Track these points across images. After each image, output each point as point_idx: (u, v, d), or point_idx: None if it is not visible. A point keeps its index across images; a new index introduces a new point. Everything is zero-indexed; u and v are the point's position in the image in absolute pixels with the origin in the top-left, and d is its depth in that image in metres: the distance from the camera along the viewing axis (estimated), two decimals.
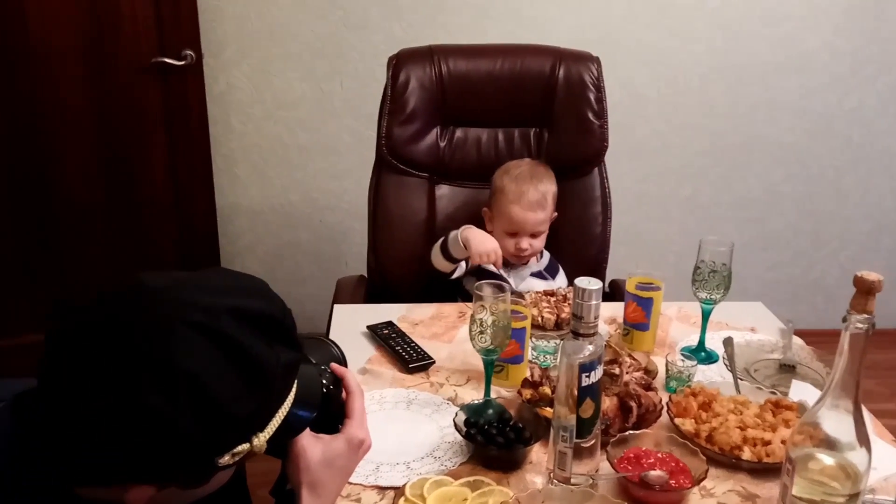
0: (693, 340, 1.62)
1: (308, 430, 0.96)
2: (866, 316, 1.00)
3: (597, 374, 1.12)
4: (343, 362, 1.06)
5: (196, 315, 0.77)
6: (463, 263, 1.92)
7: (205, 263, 2.85)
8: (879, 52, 2.93)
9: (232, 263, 3.03)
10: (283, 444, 0.96)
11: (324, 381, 0.97)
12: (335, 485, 0.99)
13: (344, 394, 1.02)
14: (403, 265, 2.05)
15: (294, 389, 0.87)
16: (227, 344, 0.77)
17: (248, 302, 0.82)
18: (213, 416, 0.76)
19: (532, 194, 1.89)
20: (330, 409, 0.98)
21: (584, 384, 1.10)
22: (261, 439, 0.82)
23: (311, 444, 0.97)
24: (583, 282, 1.09)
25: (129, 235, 2.73)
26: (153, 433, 0.74)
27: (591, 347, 1.11)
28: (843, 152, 3.08)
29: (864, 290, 1.07)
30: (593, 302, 1.08)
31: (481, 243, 1.85)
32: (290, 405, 0.86)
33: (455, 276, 1.93)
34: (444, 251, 1.91)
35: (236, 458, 0.81)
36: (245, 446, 0.81)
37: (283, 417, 0.85)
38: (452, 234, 1.90)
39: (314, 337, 1.07)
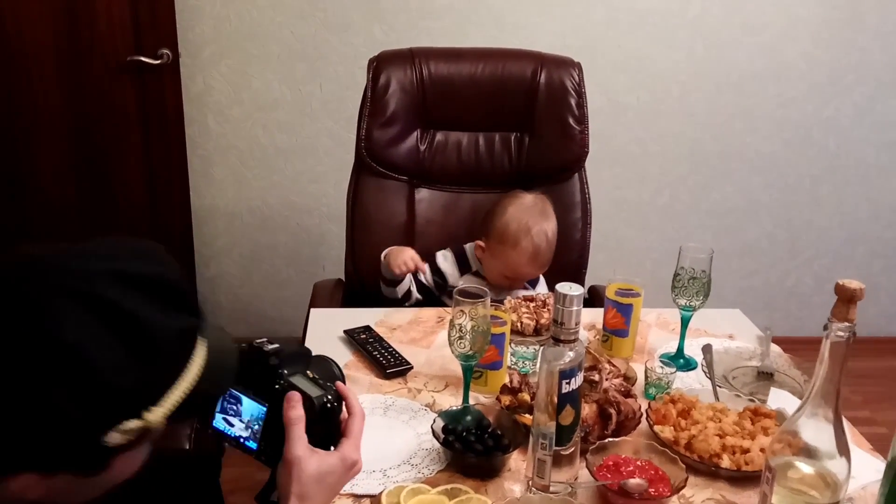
0: (672, 347, 1.61)
1: (307, 442, 0.95)
2: (847, 324, 0.99)
3: (577, 381, 1.11)
4: (342, 381, 1.06)
5: (72, 282, 0.72)
6: (411, 288, 1.92)
7: (180, 264, 2.80)
8: (857, 62, 2.96)
9: (207, 266, 2.99)
10: (277, 448, 0.95)
11: (329, 398, 0.98)
12: (322, 501, 0.97)
13: (345, 413, 1.01)
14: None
15: (202, 361, 0.80)
16: (107, 310, 0.72)
17: (135, 265, 0.77)
18: (91, 389, 0.70)
19: (545, 250, 1.85)
20: (330, 425, 0.99)
21: (564, 391, 1.08)
22: (156, 414, 0.75)
23: (307, 456, 0.95)
24: (564, 287, 1.08)
25: (103, 235, 2.68)
26: (23, 410, 0.69)
27: (571, 354, 1.09)
28: (819, 162, 3.10)
29: (846, 299, 1.06)
30: (574, 308, 1.07)
31: (397, 255, 1.86)
32: (196, 378, 0.79)
33: (408, 303, 1.92)
34: (384, 280, 1.91)
35: (129, 437, 0.74)
36: (136, 423, 0.74)
37: (186, 391, 0.78)
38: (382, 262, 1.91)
39: (319, 355, 1.06)
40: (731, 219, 3.14)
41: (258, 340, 1.01)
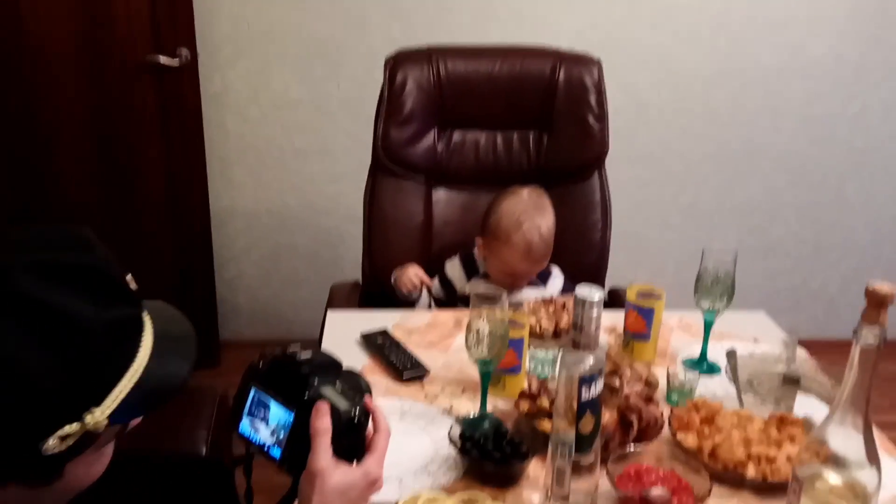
0: (695, 351, 1.58)
1: (332, 454, 0.94)
2: (878, 329, 0.96)
3: (597, 387, 1.08)
4: (369, 393, 1.05)
5: None
6: (431, 304, 1.91)
7: (199, 266, 2.82)
8: (883, 58, 2.90)
9: (226, 266, 2.99)
10: (301, 458, 0.93)
11: (357, 411, 0.97)
12: None
13: (371, 429, 1.00)
14: None
15: (149, 352, 0.75)
16: (26, 307, 0.67)
17: (56, 255, 0.71)
18: (17, 395, 0.65)
19: (538, 246, 1.81)
20: (355, 439, 0.98)
21: (584, 398, 1.05)
22: (97, 415, 0.70)
23: (331, 469, 0.93)
24: (584, 291, 1.05)
25: (122, 237, 2.69)
26: None
27: (591, 359, 1.06)
28: (845, 160, 3.04)
29: (877, 303, 1.02)
30: (594, 313, 1.04)
31: (403, 274, 1.89)
32: (141, 371, 0.74)
33: (419, 306, 1.91)
34: (401, 299, 1.91)
35: (71, 442, 0.69)
36: (76, 427, 0.69)
37: (132, 387, 0.72)
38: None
39: (349, 368, 1.05)
40: (756, 218, 3.09)
41: (292, 347, 1.00)
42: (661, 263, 3.06)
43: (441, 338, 1.64)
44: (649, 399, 1.30)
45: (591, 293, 1.04)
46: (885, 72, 2.92)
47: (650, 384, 1.38)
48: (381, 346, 1.55)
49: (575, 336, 1.07)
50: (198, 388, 1.56)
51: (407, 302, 1.89)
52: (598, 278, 2.09)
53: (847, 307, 3.11)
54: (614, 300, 1.97)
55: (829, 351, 1.60)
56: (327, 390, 0.98)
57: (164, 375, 0.76)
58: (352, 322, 1.66)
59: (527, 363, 1.45)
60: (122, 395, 0.72)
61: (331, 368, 1.02)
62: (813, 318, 3.19)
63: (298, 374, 0.98)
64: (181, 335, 0.83)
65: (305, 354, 0.99)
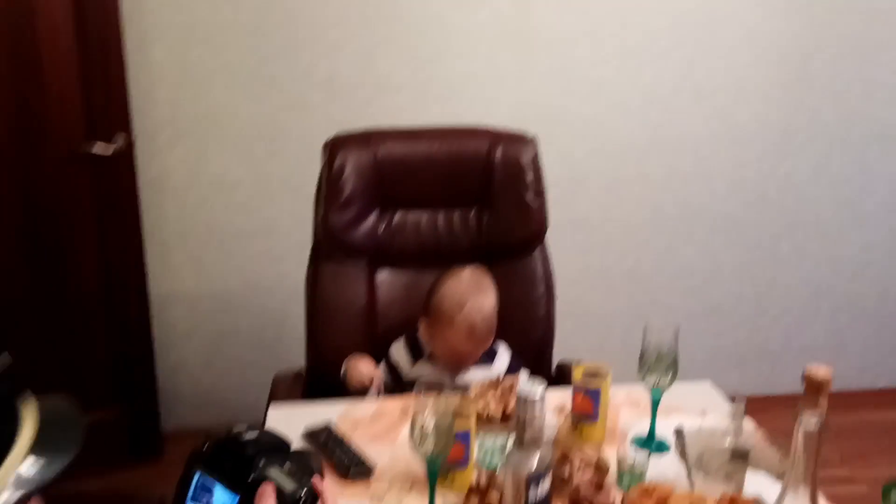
0: (644, 428, 1.57)
1: None
2: (818, 415, 0.97)
3: (545, 485, 1.06)
4: (321, 476, 1.01)
5: None
6: (372, 388, 1.85)
7: (137, 354, 2.73)
8: (807, 121, 3.02)
9: (167, 353, 2.90)
10: None
11: (302, 494, 0.95)
12: None
13: None
14: (343, 356, 1.97)
15: (30, 436, 0.75)
16: None
17: None
18: None
19: (480, 327, 1.81)
20: None
21: (532, 498, 1.03)
22: None
23: None
24: (525, 389, 1.04)
25: (55, 330, 2.59)
26: None
27: (537, 457, 1.05)
28: (777, 219, 3.13)
29: (814, 389, 1.04)
30: (538, 411, 1.03)
31: (355, 368, 1.83)
32: (20, 457, 0.74)
33: (371, 395, 1.86)
34: (352, 391, 1.85)
35: None
36: None
37: (9, 473, 0.72)
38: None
39: (299, 448, 1.02)
40: (696, 280, 3.14)
41: (237, 428, 0.97)
42: (606, 330, 3.08)
43: (387, 429, 1.60)
44: (600, 486, 1.28)
45: (533, 391, 1.03)
46: (810, 134, 3.04)
47: (600, 469, 1.36)
48: (324, 443, 1.50)
49: (519, 433, 1.05)
50: (137, 494, 1.49)
51: (357, 393, 1.85)
52: (544, 353, 2.08)
53: (791, 362, 3.16)
54: (562, 376, 1.96)
55: (775, 406, 1.63)
56: (273, 472, 0.96)
57: (48, 459, 0.75)
58: (295, 416, 1.62)
59: (475, 453, 1.42)
60: (12, 470, 0.71)
61: (278, 449, 1.00)
62: (758, 374, 3.23)
63: (243, 455, 0.95)
64: (67, 422, 0.82)
65: (251, 435, 0.97)
